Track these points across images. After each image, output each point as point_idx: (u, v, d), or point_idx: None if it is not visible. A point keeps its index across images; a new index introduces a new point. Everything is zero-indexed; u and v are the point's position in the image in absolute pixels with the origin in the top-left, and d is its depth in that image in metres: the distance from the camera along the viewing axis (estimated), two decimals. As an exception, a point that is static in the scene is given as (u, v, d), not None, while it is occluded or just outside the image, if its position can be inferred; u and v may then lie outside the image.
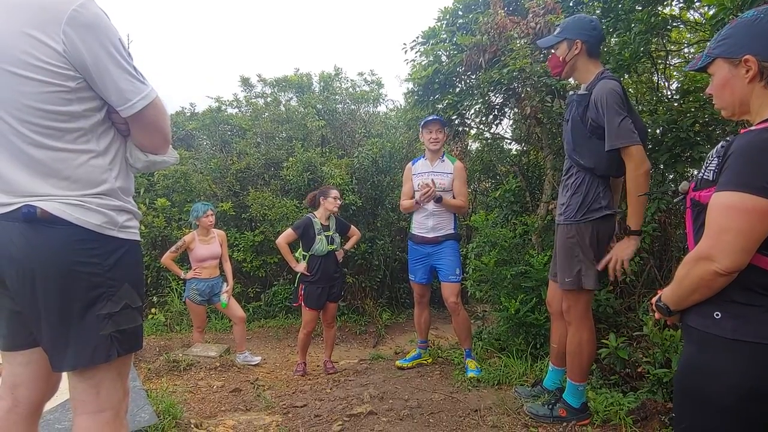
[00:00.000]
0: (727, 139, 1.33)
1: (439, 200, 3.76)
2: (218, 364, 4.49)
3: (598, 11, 3.89)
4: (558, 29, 2.62)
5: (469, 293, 4.86)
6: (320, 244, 4.36)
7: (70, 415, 2.38)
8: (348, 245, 4.72)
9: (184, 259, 5.40)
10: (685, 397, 1.37)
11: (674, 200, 1.90)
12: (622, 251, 2.44)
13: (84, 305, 1.33)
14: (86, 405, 1.38)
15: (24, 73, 1.24)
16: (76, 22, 1.25)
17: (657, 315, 1.48)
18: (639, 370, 3.07)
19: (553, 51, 2.66)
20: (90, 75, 1.29)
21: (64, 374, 1.46)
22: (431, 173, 3.86)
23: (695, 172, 3.69)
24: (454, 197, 3.84)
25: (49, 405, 1.58)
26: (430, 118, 3.91)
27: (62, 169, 1.31)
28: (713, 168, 1.31)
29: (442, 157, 3.90)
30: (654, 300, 1.49)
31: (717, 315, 1.28)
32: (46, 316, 1.32)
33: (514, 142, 6.10)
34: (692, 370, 1.35)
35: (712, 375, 1.28)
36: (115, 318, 1.36)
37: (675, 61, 4.28)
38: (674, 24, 3.73)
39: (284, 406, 3.33)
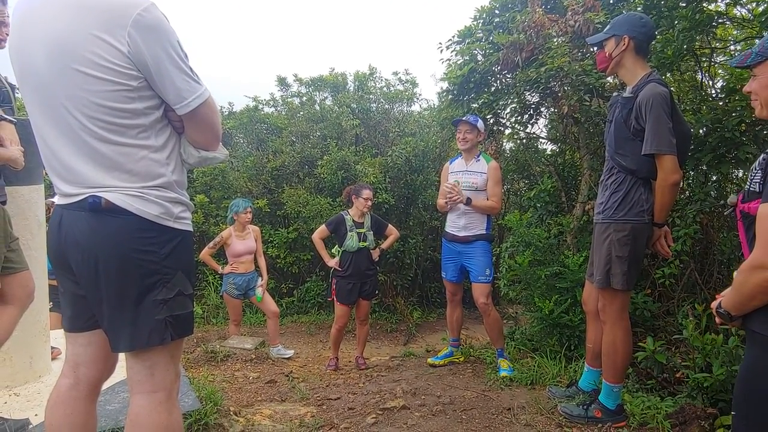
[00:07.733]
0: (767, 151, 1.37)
1: (468, 202, 3.78)
2: (254, 356, 4.62)
3: (639, 8, 3.81)
4: (608, 26, 2.64)
5: (501, 293, 4.84)
6: (351, 241, 4.43)
7: (119, 397, 2.52)
8: (385, 245, 4.73)
9: (219, 255, 5.55)
10: (747, 399, 1.39)
11: (725, 213, 1.94)
12: (655, 238, 2.60)
13: (141, 290, 1.41)
14: (142, 385, 1.47)
15: (92, 72, 1.33)
16: (139, 25, 1.33)
17: (718, 320, 1.51)
18: (677, 375, 3.01)
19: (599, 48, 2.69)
20: (150, 75, 1.37)
21: (121, 357, 1.56)
22: (465, 172, 3.87)
23: (740, 173, 3.58)
24: (487, 197, 3.84)
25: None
26: (459, 118, 3.97)
27: (124, 163, 1.40)
28: (758, 180, 1.35)
29: (478, 156, 3.90)
30: (714, 305, 1.52)
31: None
32: (106, 300, 1.42)
33: (549, 142, 6.02)
34: (756, 373, 1.37)
35: None
36: (169, 304, 1.45)
37: (720, 58, 4.15)
38: (720, 21, 3.62)
39: (318, 398, 3.41)
